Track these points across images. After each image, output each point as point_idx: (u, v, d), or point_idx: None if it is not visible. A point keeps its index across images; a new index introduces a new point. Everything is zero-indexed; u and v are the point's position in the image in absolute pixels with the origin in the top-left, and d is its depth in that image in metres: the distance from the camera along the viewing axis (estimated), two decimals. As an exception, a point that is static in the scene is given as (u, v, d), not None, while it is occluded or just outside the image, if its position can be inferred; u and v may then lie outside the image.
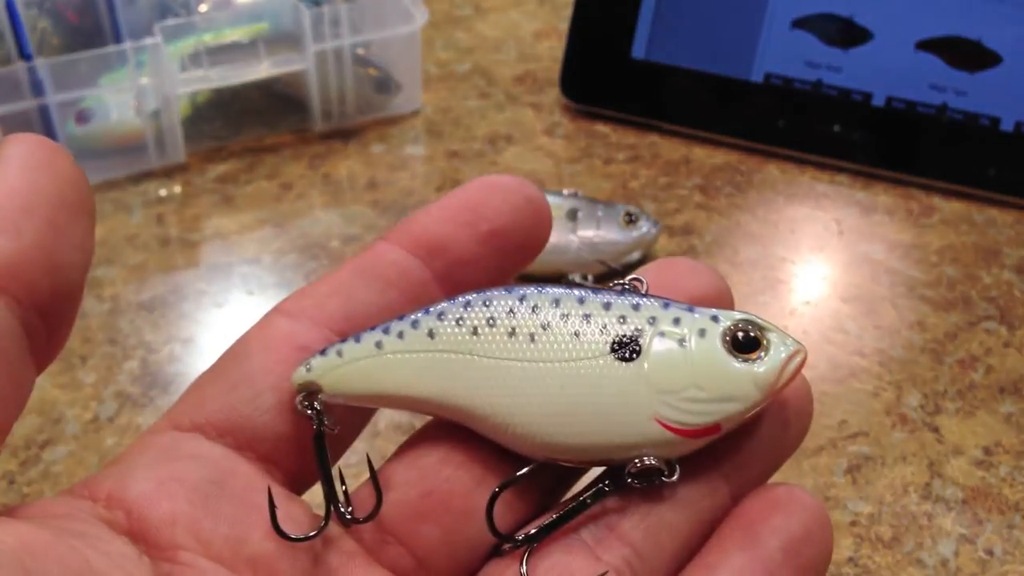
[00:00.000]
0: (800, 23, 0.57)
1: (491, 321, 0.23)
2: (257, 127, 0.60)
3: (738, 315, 0.23)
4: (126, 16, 0.58)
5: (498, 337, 0.23)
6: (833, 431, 0.43)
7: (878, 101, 0.56)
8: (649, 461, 0.23)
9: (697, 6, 0.58)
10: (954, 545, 0.39)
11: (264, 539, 0.22)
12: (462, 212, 0.24)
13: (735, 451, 0.24)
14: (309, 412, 0.23)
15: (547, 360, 0.23)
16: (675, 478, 0.23)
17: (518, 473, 0.23)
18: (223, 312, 0.49)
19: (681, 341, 0.23)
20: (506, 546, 0.24)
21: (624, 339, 0.23)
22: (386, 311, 0.24)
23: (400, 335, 0.23)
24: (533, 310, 0.23)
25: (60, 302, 0.21)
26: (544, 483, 0.24)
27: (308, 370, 0.24)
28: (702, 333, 0.23)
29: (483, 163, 0.57)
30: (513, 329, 0.23)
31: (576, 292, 0.24)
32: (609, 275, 0.49)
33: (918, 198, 0.55)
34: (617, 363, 0.23)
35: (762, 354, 0.23)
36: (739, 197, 0.55)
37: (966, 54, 0.55)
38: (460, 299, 0.24)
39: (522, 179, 0.25)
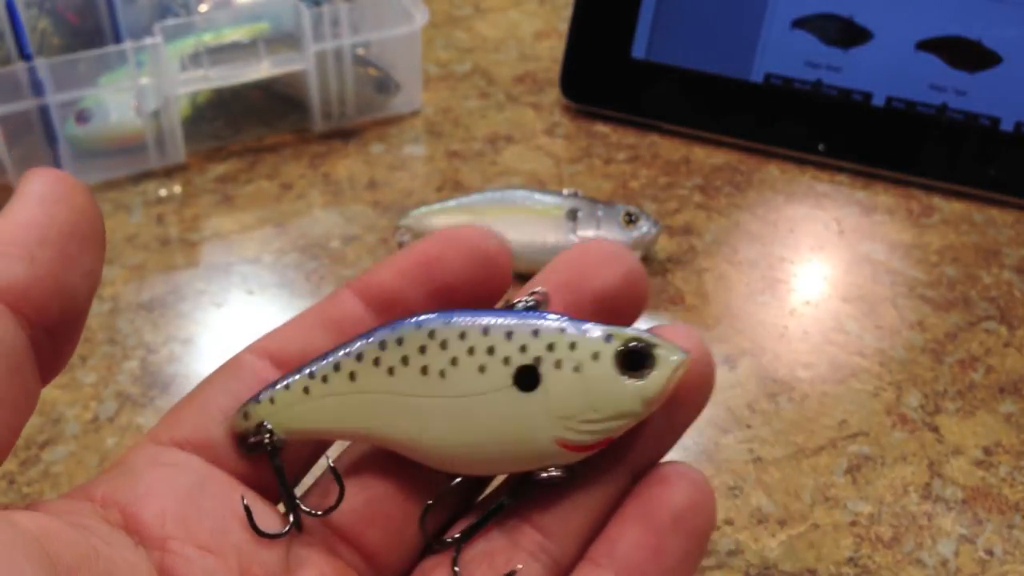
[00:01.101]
0: (800, 23, 0.57)
1: (404, 360, 0.26)
2: (257, 127, 0.60)
3: (629, 333, 0.25)
4: (126, 16, 0.58)
5: (412, 376, 0.26)
6: (833, 431, 0.43)
7: (878, 101, 0.56)
8: (553, 472, 0.26)
9: (697, 6, 0.58)
10: (954, 545, 0.39)
11: (244, 530, 0.25)
12: (416, 268, 0.27)
13: (632, 438, 0.27)
14: (254, 450, 0.27)
15: (457, 395, 0.26)
16: (573, 478, 0.26)
17: (444, 487, 0.27)
18: (223, 312, 0.49)
19: (576, 367, 0.25)
20: (437, 548, 0.27)
21: (525, 369, 0.25)
22: None
23: (324, 379, 0.26)
24: (442, 346, 0.26)
25: (67, 322, 0.23)
26: (466, 486, 0.28)
27: (245, 418, 0.27)
28: (595, 356, 0.25)
29: (483, 163, 0.57)
30: (425, 367, 0.26)
31: (482, 322, 0.26)
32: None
33: (918, 198, 0.55)
34: (519, 394, 0.25)
35: (650, 370, 0.25)
36: (739, 197, 0.55)
37: (966, 54, 0.55)
38: (375, 337, 0.26)
39: (485, 232, 0.27)
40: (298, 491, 0.28)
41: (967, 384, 0.45)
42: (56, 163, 0.55)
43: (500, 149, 0.59)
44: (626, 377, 0.25)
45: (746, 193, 0.56)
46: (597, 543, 0.27)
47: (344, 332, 0.27)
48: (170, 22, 0.55)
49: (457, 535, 0.27)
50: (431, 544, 0.27)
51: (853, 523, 0.39)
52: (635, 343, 0.25)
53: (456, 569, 0.26)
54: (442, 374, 0.26)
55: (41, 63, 0.52)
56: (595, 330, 0.25)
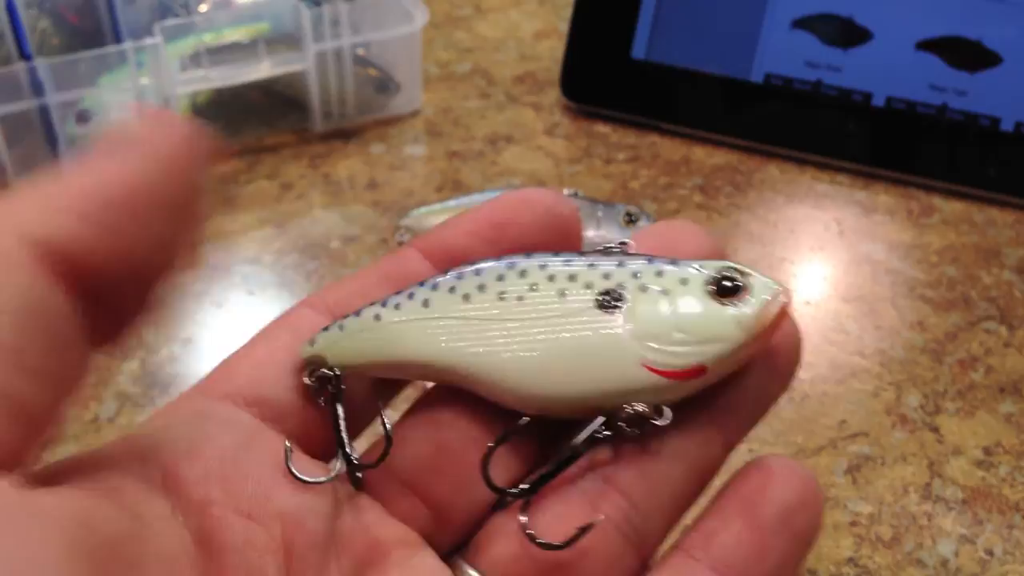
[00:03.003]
0: (800, 23, 0.57)
1: (481, 287, 0.24)
2: (257, 127, 0.60)
3: (721, 263, 0.24)
4: (126, 16, 0.58)
5: (488, 301, 0.24)
6: (833, 431, 0.43)
7: (878, 101, 0.56)
8: (639, 408, 0.23)
9: (697, 6, 0.58)
10: (954, 545, 0.39)
11: (289, 495, 0.23)
12: (487, 228, 0.25)
13: (724, 400, 0.25)
14: (310, 383, 0.25)
15: (535, 317, 0.24)
16: (666, 421, 0.23)
17: (510, 428, 0.24)
18: (223, 312, 0.49)
19: (664, 291, 0.24)
20: (507, 499, 0.24)
21: (608, 293, 0.24)
22: None
23: (397, 307, 0.25)
24: (521, 275, 0.24)
25: (130, 291, 0.21)
26: (543, 437, 0.25)
27: (312, 344, 0.25)
28: (684, 282, 0.24)
29: (483, 163, 0.57)
30: (502, 293, 0.24)
31: (562, 256, 0.24)
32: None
33: (918, 198, 0.55)
34: (601, 314, 0.23)
35: (746, 297, 0.23)
36: (739, 197, 0.55)
37: (966, 54, 0.55)
38: (453, 271, 0.25)
39: (556, 194, 0.25)
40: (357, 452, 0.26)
41: (967, 384, 0.45)
42: (56, 163, 0.55)
43: (500, 149, 0.59)
44: (719, 302, 0.23)
45: (746, 193, 0.55)
46: (692, 533, 0.24)
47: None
48: (170, 22, 0.55)
49: (525, 486, 0.24)
50: (502, 497, 0.24)
51: (853, 523, 0.39)
52: (729, 270, 0.24)
53: (523, 519, 0.24)
54: (520, 299, 0.24)
55: (41, 63, 0.52)
56: (684, 262, 0.24)
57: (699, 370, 0.23)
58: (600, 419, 0.24)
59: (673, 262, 0.24)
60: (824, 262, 0.52)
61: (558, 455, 0.24)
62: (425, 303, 0.24)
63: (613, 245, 0.25)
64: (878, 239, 0.53)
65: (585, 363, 0.23)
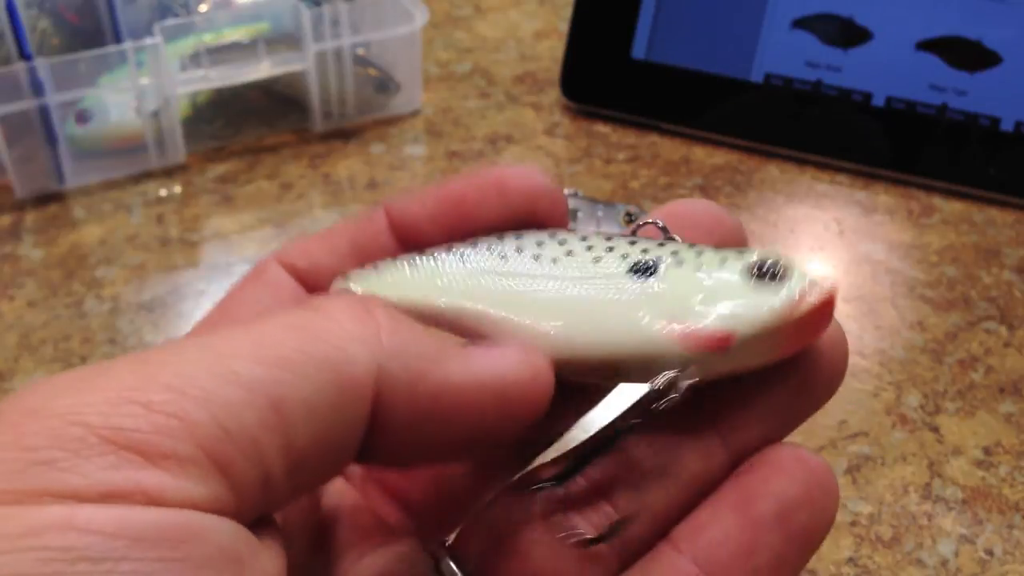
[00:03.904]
0: (800, 23, 0.57)
1: (519, 248, 0.24)
2: (257, 127, 0.60)
3: (764, 251, 0.23)
4: (126, 16, 0.58)
5: (524, 260, 0.24)
6: (833, 431, 0.43)
7: (878, 101, 0.56)
8: (669, 375, 0.22)
9: (697, 6, 0.58)
10: (954, 545, 0.39)
11: None
12: (454, 216, 0.25)
13: (731, 405, 0.23)
14: None
15: (567, 277, 0.23)
16: (679, 393, 0.22)
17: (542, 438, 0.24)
18: (223, 312, 0.49)
19: (699, 267, 0.23)
20: (540, 486, 0.24)
21: (643, 262, 0.23)
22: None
23: (433, 258, 0.24)
24: (560, 243, 0.24)
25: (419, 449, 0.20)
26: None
27: (345, 278, 0.24)
28: (723, 261, 0.23)
29: (483, 163, 0.57)
30: (538, 255, 0.24)
31: (607, 233, 0.24)
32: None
33: (918, 198, 0.55)
34: (634, 278, 0.23)
35: (785, 283, 0.22)
36: (739, 197, 0.55)
37: (966, 54, 0.55)
38: (494, 235, 0.25)
39: (532, 176, 0.24)
40: None
41: (967, 384, 0.45)
42: (56, 163, 0.55)
43: (500, 149, 0.59)
44: (755, 283, 0.22)
45: (746, 193, 0.55)
46: (683, 524, 0.23)
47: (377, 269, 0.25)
48: (170, 22, 0.55)
49: (556, 473, 0.23)
50: (535, 484, 0.24)
51: (853, 523, 0.39)
52: (772, 256, 0.23)
53: (558, 516, 0.23)
54: (554, 261, 0.24)
55: (41, 63, 0.52)
56: (728, 249, 0.23)
57: (725, 340, 0.22)
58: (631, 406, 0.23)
59: (715, 249, 0.23)
60: (824, 262, 0.52)
61: (587, 443, 0.24)
62: (462, 257, 0.24)
63: (649, 221, 0.24)
64: (878, 239, 0.53)
65: (611, 322, 0.23)
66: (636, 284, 0.23)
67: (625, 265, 0.23)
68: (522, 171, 0.24)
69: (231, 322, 0.23)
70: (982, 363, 0.46)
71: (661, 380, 0.22)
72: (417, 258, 0.24)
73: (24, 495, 0.15)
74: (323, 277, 0.24)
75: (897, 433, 0.43)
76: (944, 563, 0.38)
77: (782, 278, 0.22)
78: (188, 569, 0.16)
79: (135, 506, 0.16)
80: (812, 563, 0.38)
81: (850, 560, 0.38)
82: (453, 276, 0.24)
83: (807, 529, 0.22)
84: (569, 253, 0.24)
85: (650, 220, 0.25)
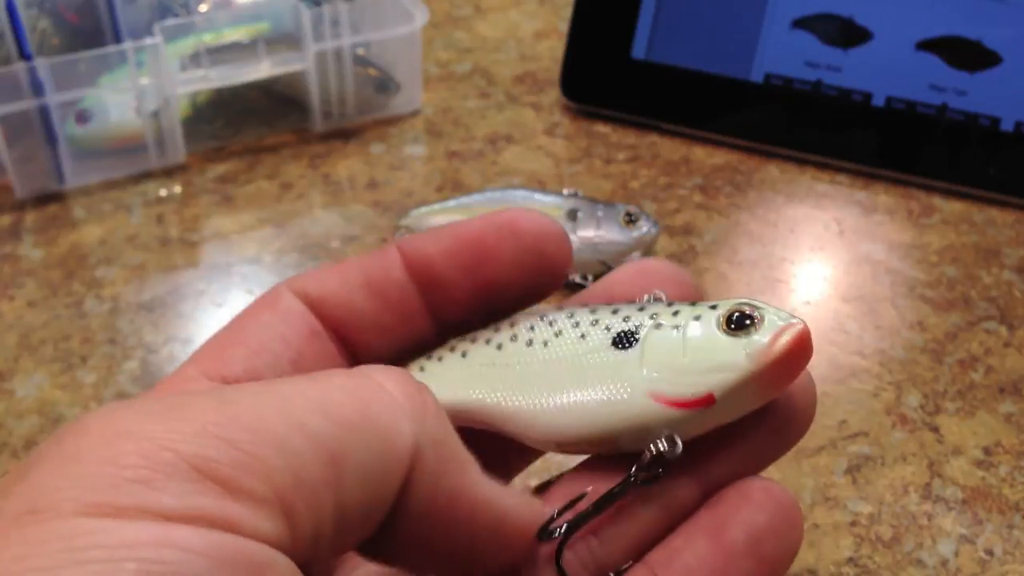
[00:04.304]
0: (800, 23, 0.57)
1: (513, 337, 0.26)
2: (257, 127, 0.60)
3: (737, 300, 0.24)
4: (126, 16, 0.58)
5: (517, 348, 0.25)
6: (833, 431, 0.43)
7: (878, 101, 0.56)
8: (657, 447, 0.23)
9: (697, 6, 0.58)
10: (954, 545, 0.39)
11: None
12: (469, 256, 0.26)
13: (706, 444, 0.25)
14: None
15: (557, 359, 0.25)
16: (677, 452, 0.24)
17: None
18: (223, 312, 0.49)
19: (676, 327, 0.24)
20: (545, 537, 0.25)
21: (624, 333, 0.24)
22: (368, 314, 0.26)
23: (440, 359, 0.26)
24: (550, 324, 0.26)
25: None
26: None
27: None
28: (698, 318, 0.24)
29: (483, 163, 0.57)
30: (530, 340, 0.25)
31: (590, 306, 0.26)
32: (609, 275, 0.49)
33: (918, 198, 0.55)
34: (616, 351, 0.24)
35: (758, 328, 0.23)
36: (739, 197, 0.55)
37: (966, 54, 0.55)
38: (492, 326, 0.26)
39: (545, 223, 0.25)
40: None
41: (967, 384, 0.45)
42: (56, 163, 0.55)
43: (500, 149, 0.59)
44: (729, 334, 0.23)
45: (746, 193, 0.55)
46: (658, 549, 0.24)
47: (389, 304, 0.25)
48: (170, 22, 0.55)
49: (563, 525, 0.25)
50: (544, 536, 0.25)
51: (853, 523, 0.39)
52: (743, 306, 0.24)
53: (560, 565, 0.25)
54: (545, 343, 0.25)
55: (41, 63, 0.52)
56: (702, 303, 0.24)
57: (707, 399, 0.23)
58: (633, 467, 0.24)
59: (692, 303, 0.24)
60: (824, 262, 0.52)
61: (597, 503, 0.25)
62: (463, 354, 0.26)
63: (649, 297, 0.26)
64: (878, 239, 0.53)
65: (598, 399, 0.24)
66: (620, 356, 0.24)
67: (608, 337, 0.24)
68: (532, 215, 0.26)
69: (247, 345, 0.24)
70: (982, 363, 0.46)
71: (655, 446, 0.23)
72: (424, 362, 0.26)
73: (121, 510, 0.16)
74: (334, 307, 0.25)
75: (897, 433, 0.43)
76: (944, 563, 0.38)
77: (754, 326, 0.23)
78: None
79: (221, 532, 0.17)
80: (812, 563, 0.38)
81: (850, 560, 0.38)
82: (454, 374, 0.26)
83: (775, 557, 0.24)
84: (558, 334, 0.25)
85: (657, 293, 0.26)
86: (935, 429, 0.43)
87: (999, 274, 0.51)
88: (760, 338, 0.23)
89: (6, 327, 0.48)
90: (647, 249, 0.50)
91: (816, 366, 0.45)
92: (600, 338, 0.25)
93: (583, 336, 0.25)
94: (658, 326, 0.24)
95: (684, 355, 0.23)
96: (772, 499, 0.24)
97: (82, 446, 0.17)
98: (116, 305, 0.49)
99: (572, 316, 0.25)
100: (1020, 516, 0.40)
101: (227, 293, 0.50)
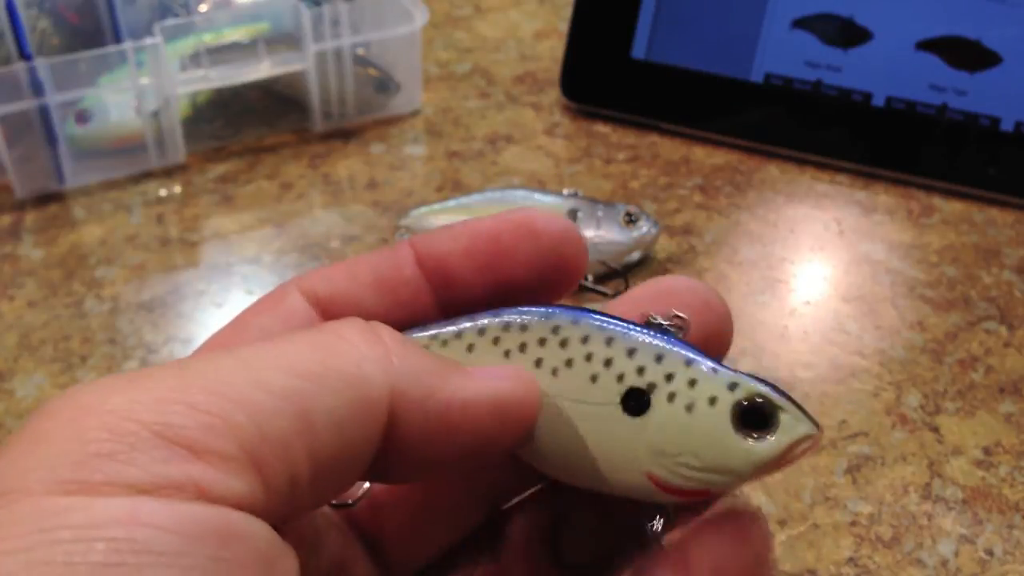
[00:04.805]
0: (800, 23, 0.57)
1: (522, 347, 0.24)
2: (257, 127, 0.60)
3: (759, 387, 0.23)
4: (126, 16, 0.58)
5: (526, 364, 0.24)
6: (833, 431, 0.43)
7: (878, 101, 0.56)
8: (654, 524, 0.23)
9: (697, 6, 0.58)
10: (954, 545, 0.39)
11: None
12: (485, 254, 0.25)
13: None
14: None
15: (562, 396, 0.24)
16: (662, 527, 0.23)
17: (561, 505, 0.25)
18: (223, 312, 0.49)
19: (689, 407, 0.23)
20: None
21: (636, 391, 0.23)
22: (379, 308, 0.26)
23: (444, 343, 0.25)
24: (562, 344, 0.24)
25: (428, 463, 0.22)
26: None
27: None
28: (712, 401, 0.23)
29: (483, 163, 0.57)
30: (540, 360, 0.24)
31: (609, 331, 0.24)
32: (609, 275, 0.49)
33: (918, 198, 0.55)
34: (623, 415, 0.23)
35: (769, 434, 0.22)
36: (739, 197, 0.55)
37: (966, 54, 0.55)
38: (501, 319, 0.25)
39: (565, 227, 0.25)
40: None
41: (967, 384, 0.45)
42: (56, 163, 0.55)
43: (500, 149, 0.59)
44: (741, 434, 0.22)
45: (746, 193, 0.56)
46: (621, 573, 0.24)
47: (399, 302, 0.25)
48: (170, 22, 0.55)
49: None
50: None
51: (853, 523, 0.39)
52: (760, 399, 0.23)
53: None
54: (554, 372, 0.24)
55: (41, 63, 0.52)
56: (724, 374, 0.23)
57: (702, 493, 0.23)
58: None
59: (713, 369, 0.23)
60: (824, 262, 0.52)
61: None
62: (470, 348, 0.25)
63: (668, 323, 0.24)
64: (878, 239, 0.53)
65: (596, 457, 0.24)
66: (626, 423, 0.23)
67: (619, 391, 0.24)
68: (549, 216, 0.25)
69: (246, 342, 0.24)
70: (982, 363, 0.46)
71: (651, 521, 0.23)
72: (429, 342, 0.25)
73: (87, 485, 0.16)
74: (342, 305, 0.25)
75: (897, 433, 0.43)
76: (944, 563, 0.38)
77: (769, 424, 0.22)
78: (234, 568, 0.17)
79: (189, 502, 0.17)
80: (812, 563, 0.38)
81: (850, 560, 0.38)
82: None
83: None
84: (569, 364, 0.24)
85: (679, 315, 0.25)
86: (935, 429, 0.43)
87: (999, 274, 0.51)
88: (769, 447, 0.22)
89: (6, 327, 0.48)
90: (647, 249, 0.50)
91: (816, 366, 0.45)
92: (610, 389, 0.24)
93: (594, 379, 0.24)
94: (671, 397, 0.23)
95: (691, 447, 0.23)
96: (738, 526, 0.24)
97: (48, 427, 0.17)
98: (116, 305, 0.49)
99: (586, 342, 0.24)
100: (1020, 516, 0.40)
101: (227, 293, 0.50)
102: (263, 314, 0.25)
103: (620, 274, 0.49)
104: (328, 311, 0.25)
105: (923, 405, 0.44)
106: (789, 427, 0.22)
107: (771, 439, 0.22)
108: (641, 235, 0.49)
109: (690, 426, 0.23)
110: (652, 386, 0.23)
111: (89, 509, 0.16)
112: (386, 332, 0.22)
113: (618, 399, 0.23)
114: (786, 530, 0.39)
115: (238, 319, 0.25)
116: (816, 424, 0.22)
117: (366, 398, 0.20)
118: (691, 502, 0.23)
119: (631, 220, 0.49)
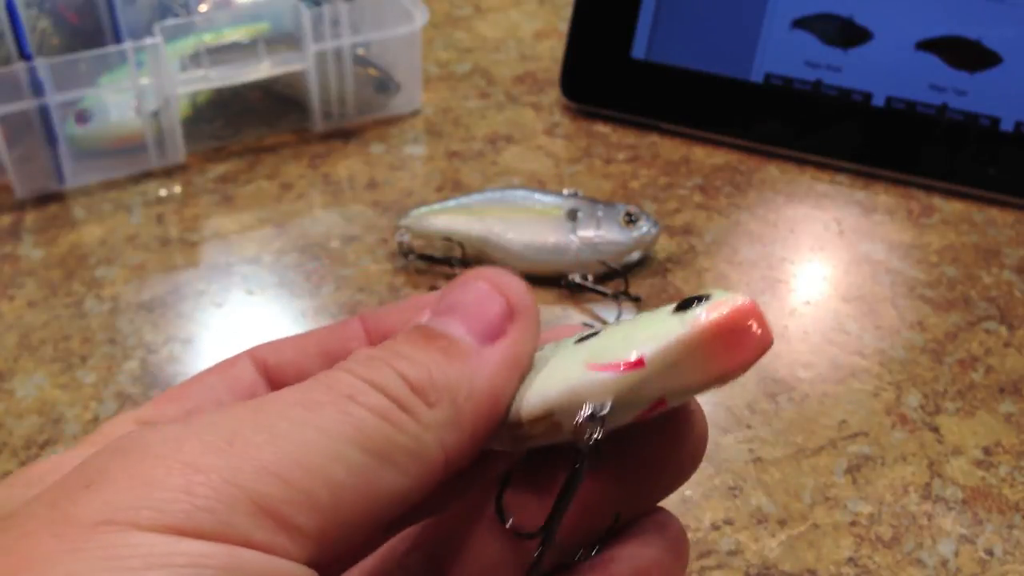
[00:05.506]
0: (800, 23, 0.57)
1: None
2: (257, 127, 0.60)
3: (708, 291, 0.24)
4: (126, 16, 0.58)
5: None
6: (833, 431, 0.43)
7: (878, 101, 0.56)
8: (587, 410, 0.23)
9: (697, 6, 0.58)
10: (954, 545, 0.39)
11: None
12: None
13: (622, 468, 0.25)
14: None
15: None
16: (605, 411, 0.23)
17: (511, 469, 0.25)
18: (223, 312, 0.49)
19: (638, 320, 0.24)
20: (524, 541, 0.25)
21: (589, 335, 0.25)
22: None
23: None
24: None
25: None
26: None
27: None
28: (653, 311, 0.24)
29: (483, 163, 0.57)
30: None
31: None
32: (609, 275, 0.49)
33: (918, 198, 0.55)
34: (575, 344, 0.25)
35: (699, 305, 0.23)
36: (739, 197, 0.55)
37: (966, 54, 0.55)
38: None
39: (516, 288, 0.25)
40: None
41: (967, 384, 0.45)
42: (56, 163, 0.55)
43: (500, 149, 0.59)
44: (673, 315, 0.23)
45: (746, 193, 0.55)
46: None
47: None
48: (170, 22, 0.55)
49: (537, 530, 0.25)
50: (520, 538, 0.25)
51: (853, 523, 0.39)
52: (697, 294, 0.23)
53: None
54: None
55: (41, 63, 0.52)
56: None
57: (637, 362, 0.23)
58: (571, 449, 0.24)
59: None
60: (824, 262, 0.52)
61: (559, 491, 0.24)
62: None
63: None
64: (878, 239, 0.53)
65: (544, 374, 0.25)
66: (577, 346, 0.25)
67: (576, 338, 0.25)
68: (505, 286, 0.25)
69: (192, 398, 0.26)
70: (982, 363, 0.46)
71: (586, 411, 0.23)
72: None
73: (190, 530, 0.19)
74: (289, 376, 0.27)
75: (897, 433, 0.43)
76: (944, 563, 0.38)
77: (699, 304, 0.23)
78: None
79: (275, 557, 0.19)
80: (812, 563, 0.38)
81: (850, 560, 0.38)
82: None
83: None
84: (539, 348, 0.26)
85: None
86: (935, 429, 0.43)
87: (999, 274, 0.51)
88: (699, 310, 0.23)
89: (6, 327, 0.48)
90: (647, 249, 0.50)
91: (816, 366, 0.45)
92: (568, 341, 0.25)
93: (557, 345, 0.25)
94: (621, 321, 0.25)
95: (633, 332, 0.24)
96: (662, 532, 0.25)
97: (155, 472, 0.19)
98: (116, 305, 0.49)
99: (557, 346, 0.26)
100: (1020, 516, 0.40)
101: (227, 293, 0.50)
102: (214, 374, 0.27)
103: (620, 274, 0.49)
104: (274, 380, 0.27)
105: (923, 405, 0.44)
106: (719, 295, 0.23)
107: (704, 304, 0.23)
108: (641, 235, 0.49)
109: (634, 325, 0.24)
110: (604, 326, 0.25)
111: (195, 545, 0.18)
112: (446, 394, 0.23)
113: (572, 342, 0.25)
114: (786, 530, 0.39)
115: (191, 379, 0.27)
116: (749, 298, 0.23)
117: (426, 466, 0.22)
118: (631, 378, 0.23)
119: (631, 220, 0.49)
